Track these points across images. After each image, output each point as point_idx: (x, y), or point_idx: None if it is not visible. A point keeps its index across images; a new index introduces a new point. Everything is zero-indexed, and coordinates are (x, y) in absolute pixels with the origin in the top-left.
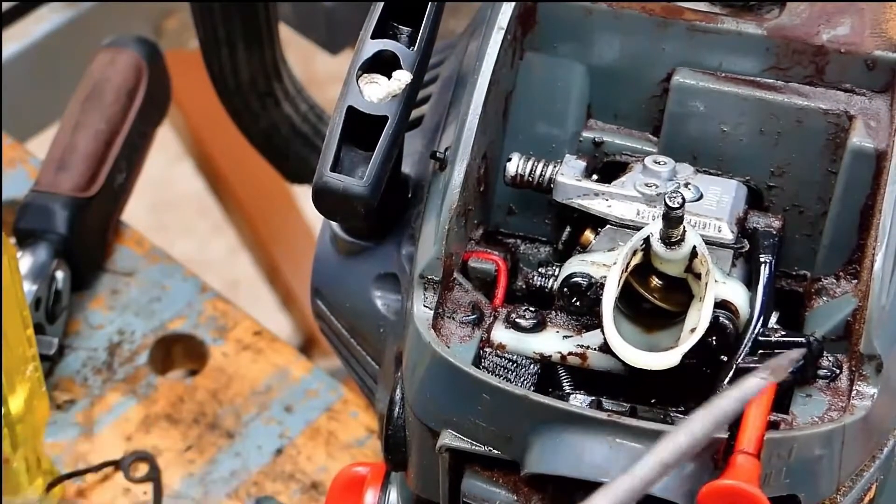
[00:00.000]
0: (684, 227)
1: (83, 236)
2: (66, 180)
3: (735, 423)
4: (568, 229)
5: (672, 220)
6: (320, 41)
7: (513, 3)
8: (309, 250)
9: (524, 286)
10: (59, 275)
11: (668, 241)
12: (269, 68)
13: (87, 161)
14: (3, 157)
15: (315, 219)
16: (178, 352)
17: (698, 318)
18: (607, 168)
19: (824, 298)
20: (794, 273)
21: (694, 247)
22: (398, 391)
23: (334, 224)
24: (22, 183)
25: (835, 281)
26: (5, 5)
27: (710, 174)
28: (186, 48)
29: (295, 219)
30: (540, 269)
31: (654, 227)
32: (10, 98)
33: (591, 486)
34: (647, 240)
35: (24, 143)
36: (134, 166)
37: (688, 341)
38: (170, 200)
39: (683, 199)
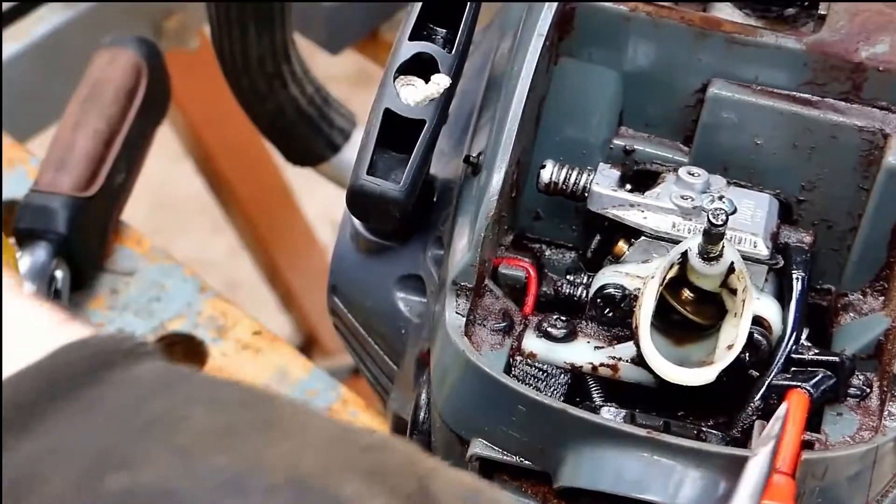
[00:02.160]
0: (723, 243)
1: (83, 236)
2: (66, 180)
3: None
4: (598, 238)
5: (713, 236)
6: (320, 41)
7: (553, 8)
8: (309, 250)
9: (552, 293)
10: (59, 274)
11: (706, 256)
12: (279, 50)
13: (87, 161)
14: (3, 157)
15: (315, 219)
16: (177, 351)
17: (735, 335)
18: (638, 176)
19: (851, 314)
20: (818, 287)
21: (731, 262)
22: (423, 396)
23: (356, 221)
24: (22, 183)
25: (861, 297)
26: (5, 5)
27: (742, 186)
28: (186, 48)
29: (295, 219)
30: (568, 277)
31: (693, 242)
32: (10, 98)
33: (626, 502)
34: (684, 254)
35: (24, 143)
36: (134, 166)
37: (724, 358)
38: (170, 200)
39: (727, 215)
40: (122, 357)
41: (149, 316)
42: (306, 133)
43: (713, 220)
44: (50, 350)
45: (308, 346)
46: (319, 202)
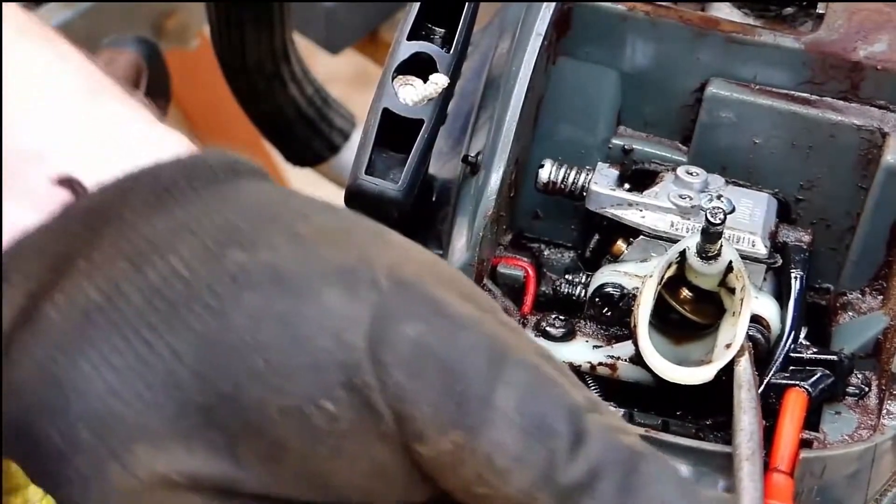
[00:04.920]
0: (721, 242)
1: None
2: None
3: (768, 440)
4: (596, 237)
5: (711, 234)
6: (320, 41)
7: (551, 7)
8: None
9: (550, 293)
10: None
11: (704, 255)
12: (278, 50)
13: None
14: None
15: None
16: None
17: (733, 334)
18: (636, 176)
19: (850, 313)
20: (817, 286)
21: (730, 261)
22: None
23: None
24: None
25: (860, 296)
26: None
27: (740, 185)
28: (186, 48)
29: None
30: (567, 277)
31: (691, 241)
32: None
33: None
34: (682, 253)
35: None
36: None
37: (723, 357)
38: None
39: (725, 214)
40: (251, 172)
41: None
42: (306, 133)
43: (711, 219)
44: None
45: None
46: None
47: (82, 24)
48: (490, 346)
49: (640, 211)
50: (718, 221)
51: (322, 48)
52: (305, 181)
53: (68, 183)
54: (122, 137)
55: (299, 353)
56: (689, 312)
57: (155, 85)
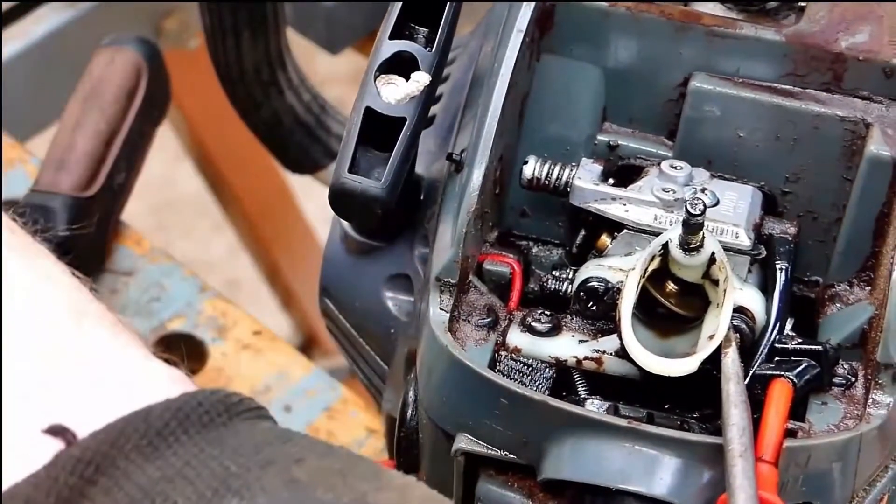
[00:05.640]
0: (703, 234)
1: (83, 236)
2: (66, 180)
3: (753, 431)
4: (582, 233)
5: (692, 226)
6: (320, 41)
7: (532, 6)
8: (309, 250)
9: (538, 289)
10: None
11: (686, 246)
12: (274, 58)
13: (87, 161)
14: (3, 157)
15: (315, 219)
16: (177, 351)
17: (716, 325)
18: (622, 171)
19: (838, 305)
20: (805, 279)
21: (712, 253)
22: (411, 393)
23: (345, 223)
24: (22, 183)
25: (848, 287)
26: (5, 5)
27: (725, 179)
28: (186, 48)
29: (295, 219)
30: (554, 273)
31: (673, 233)
32: (10, 98)
33: (609, 493)
34: (665, 245)
35: (24, 143)
36: (134, 166)
37: (706, 348)
38: (170, 200)
39: (705, 205)
40: (246, 410)
41: (149, 316)
42: (303, 140)
43: (691, 210)
44: (174, 394)
45: (308, 346)
46: (319, 203)
47: (82, 24)
48: None
49: (624, 205)
50: (699, 212)
51: (322, 48)
52: (306, 181)
53: (59, 432)
54: (112, 374)
55: None
56: (675, 306)
57: (155, 85)
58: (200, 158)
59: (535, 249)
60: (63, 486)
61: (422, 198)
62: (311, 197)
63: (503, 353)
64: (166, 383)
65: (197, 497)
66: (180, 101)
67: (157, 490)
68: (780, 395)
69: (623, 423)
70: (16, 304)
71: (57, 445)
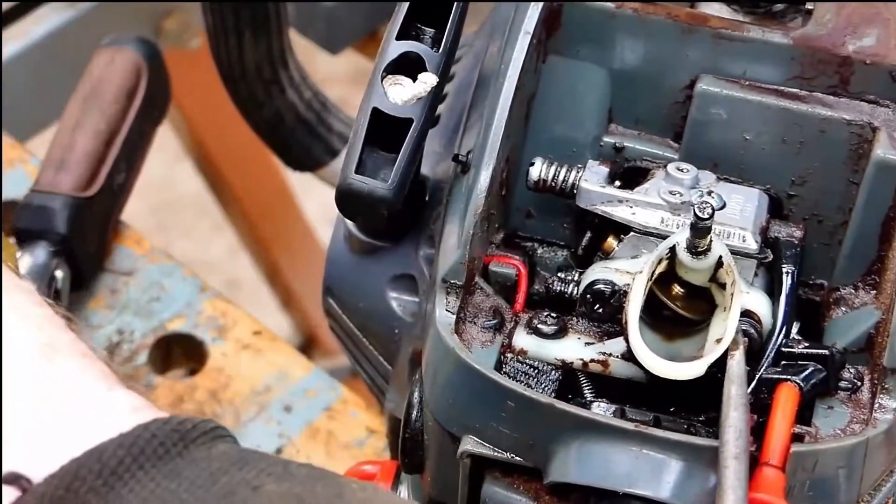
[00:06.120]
0: (711, 237)
1: (83, 236)
2: (66, 180)
3: (759, 435)
4: (588, 235)
5: (700, 230)
6: (320, 41)
7: (539, 6)
8: (309, 250)
9: (543, 291)
10: (59, 274)
11: (694, 250)
12: (276, 56)
13: (87, 161)
14: (3, 157)
15: (315, 219)
16: (177, 351)
17: (724, 329)
18: (628, 173)
19: (843, 308)
20: (811, 282)
21: (720, 256)
22: (416, 394)
23: (349, 222)
24: (22, 183)
25: (853, 291)
26: (5, 5)
27: (731, 182)
28: (186, 48)
29: (295, 219)
30: (560, 275)
31: (681, 237)
32: (10, 98)
33: (616, 497)
34: (672, 249)
35: (24, 143)
36: (134, 166)
37: (714, 352)
38: (170, 200)
39: (713, 209)
40: (201, 435)
41: (149, 316)
42: (305, 138)
43: (699, 214)
44: (132, 426)
45: (308, 346)
46: (319, 202)
47: (82, 24)
48: None
49: (631, 207)
50: (707, 216)
51: (322, 48)
52: (306, 181)
53: (13, 480)
54: (75, 409)
55: None
56: (681, 309)
57: (155, 85)
58: (200, 158)
59: (539, 251)
60: None
61: (427, 198)
62: (311, 197)
63: (509, 355)
64: (128, 415)
65: None
66: (180, 101)
67: None
68: (786, 400)
69: (630, 426)
70: None
71: (13, 494)
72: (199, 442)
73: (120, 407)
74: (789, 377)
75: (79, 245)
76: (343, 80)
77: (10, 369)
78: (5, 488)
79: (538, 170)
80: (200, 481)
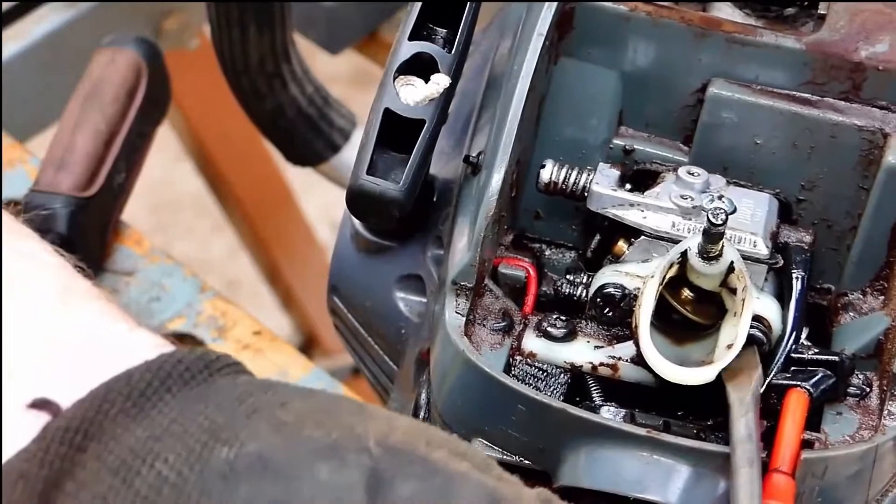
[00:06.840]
0: (723, 243)
1: (83, 236)
2: (66, 180)
3: (769, 441)
4: (597, 237)
5: (713, 235)
6: (320, 41)
7: (553, 7)
8: (309, 250)
9: (551, 293)
10: None
11: (706, 255)
12: (279, 50)
13: (87, 161)
14: (3, 157)
15: (315, 218)
16: None
17: (734, 334)
18: (637, 176)
19: (851, 314)
20: (818, 286)
21: (731, 262)
22: (424, 396)
23: (356, 221)
24: (22, 183)
25: (861, 296)
26: (5, 5)
27: (741, 186)
28: (186, 48)
29: (295, 219)
30: (568, 277)
31: (692, 241)
32: (10, 98)
33: (626, 501)
34: (684, 253)
35: (24, 143)
36: (134, 166)
37: (725, 357)
38: (170, 200)
39: (727, 214)
40: (225, 367)
41: (149, 316)
42: (306, 133)
43: (713, 220)
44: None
45: (308, 346)
46: (319, 202)
47: (82, 24)
48: (489, 500)
49: (642, 211)
50: (720, 222)
51: (322, 48)
52: (306, 181)
53: (43, 405)
54: (94, 345)
55: None
56: (691, 313)
57: (155, 85)
58: (200, 158)
59: (548, 252)
60: (54, 457)
61: (435, 198)
62: (311, 196)
63: (518, 358)
64: (152, 350)
65: (187, 452)
66: (180, 101)
67: (146, 449)
68: (796, 406)
69: (642, 432)
70: (2, 286)
71: (44, 418)
72: (224, 372)
73: (143, 344)
74: (799, 383)
75: (79, 245)
76: (343, 80)
77: (30, 313)
78: (34, 413)
79: (549, 172)
80: (227, 402)
